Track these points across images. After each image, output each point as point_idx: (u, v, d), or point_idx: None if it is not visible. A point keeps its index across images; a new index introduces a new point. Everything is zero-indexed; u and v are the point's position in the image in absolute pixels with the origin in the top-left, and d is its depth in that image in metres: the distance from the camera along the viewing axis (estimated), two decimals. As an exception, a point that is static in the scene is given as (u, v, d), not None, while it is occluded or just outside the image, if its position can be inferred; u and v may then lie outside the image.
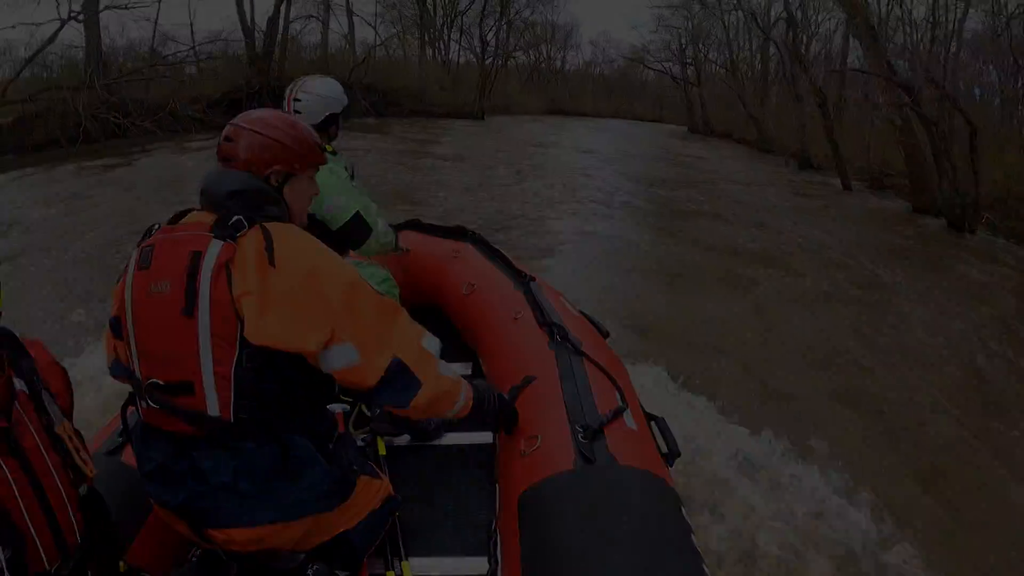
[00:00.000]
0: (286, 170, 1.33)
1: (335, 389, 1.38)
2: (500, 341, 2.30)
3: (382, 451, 2.13)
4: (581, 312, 2.43)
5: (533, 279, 2.54)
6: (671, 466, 1.66)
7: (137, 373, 1.25)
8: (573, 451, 1.51)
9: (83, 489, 1.10)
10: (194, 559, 1.44)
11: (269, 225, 1.22)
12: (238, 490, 1.21)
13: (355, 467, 1.42)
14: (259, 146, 1.29)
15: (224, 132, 1.31)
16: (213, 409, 1.18)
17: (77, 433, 1.12)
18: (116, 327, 1.31)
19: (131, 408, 1.34)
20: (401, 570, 1.60)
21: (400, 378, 1.26)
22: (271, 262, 1.16)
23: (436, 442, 2.28)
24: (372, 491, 1.51)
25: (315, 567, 1.38)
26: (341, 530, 1.42)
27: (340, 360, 1.21)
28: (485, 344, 2.41)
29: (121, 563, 1.20)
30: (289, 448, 1.23)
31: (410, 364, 1.27)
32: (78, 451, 1.09)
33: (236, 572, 1.38)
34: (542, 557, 1.31)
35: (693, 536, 1.36)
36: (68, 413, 1.16)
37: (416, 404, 1.30)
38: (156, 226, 1.29)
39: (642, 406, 1.86)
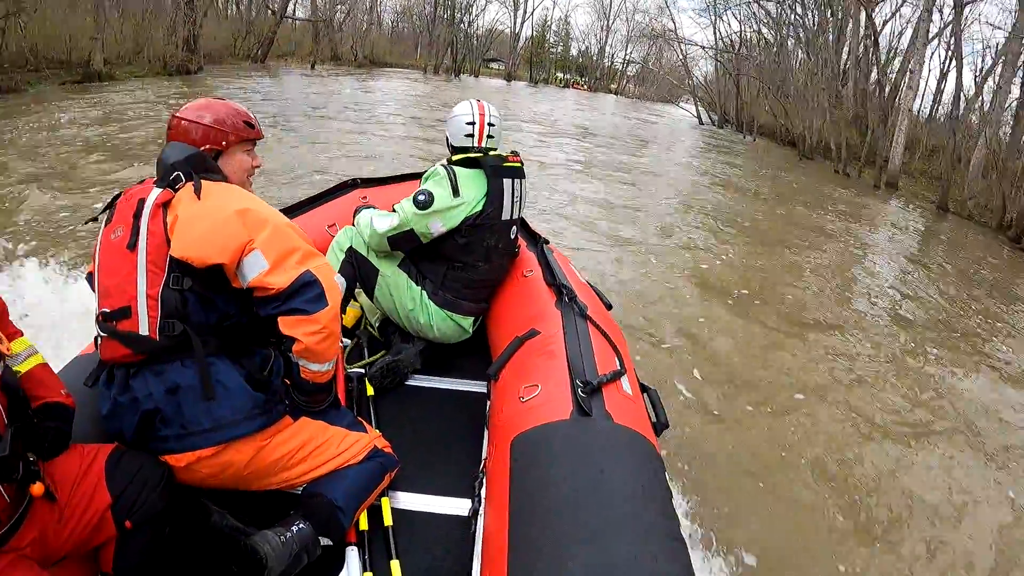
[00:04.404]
0: (216, 148, 1.54)
1: (275, 330, 1.49)
2: (509, 294, 2.36)
3: (370, 392, 2.14)
4: (587, 282, 2.46)
5: (547, 242, 2.58)
6: (659, 435, 1.69)
7: (96, 311, 1.40)
8: (571, 403, 1.54)
9: (1, 367, 1.14)
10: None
11: (203, 178, 1.43)
12: (167, 415, 1.34)
13: (286, 401, 1.49)
14: (212, 132, 1.52)
15: (182, 121, 1.52)
16: (144, 328, 1.34)
17: None
18: (91, 281, 1.48)
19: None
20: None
21: (312, 289, 1.36)
22: (197, 196, 1.38)
23: (426, 385, 2.31)
24: (348, 442, 1.57)
25: (299, 526, 1.44)
26: (301, 475, 1.49)
27: (253, 269, 1.34)
28: (494, 296, 2.45)
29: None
30: (210, 369, 1.36)
31: (323, 285, 1.37)
32: None
33: (221, 519, 1.45)
34: (531, 498, 1.34)
35: (672, 500, 1.39)
36: None
37: (320, 317, 1.37)
38: (121, 192, 1.50)
39: (638, 376, 1.89)
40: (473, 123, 2.31)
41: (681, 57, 31.18)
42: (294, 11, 27.26)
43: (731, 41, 26.08)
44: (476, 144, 2.33)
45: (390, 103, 17.14)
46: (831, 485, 2.88)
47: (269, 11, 25.22)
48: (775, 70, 22.03)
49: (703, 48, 28.87)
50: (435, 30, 39.78)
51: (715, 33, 28.76)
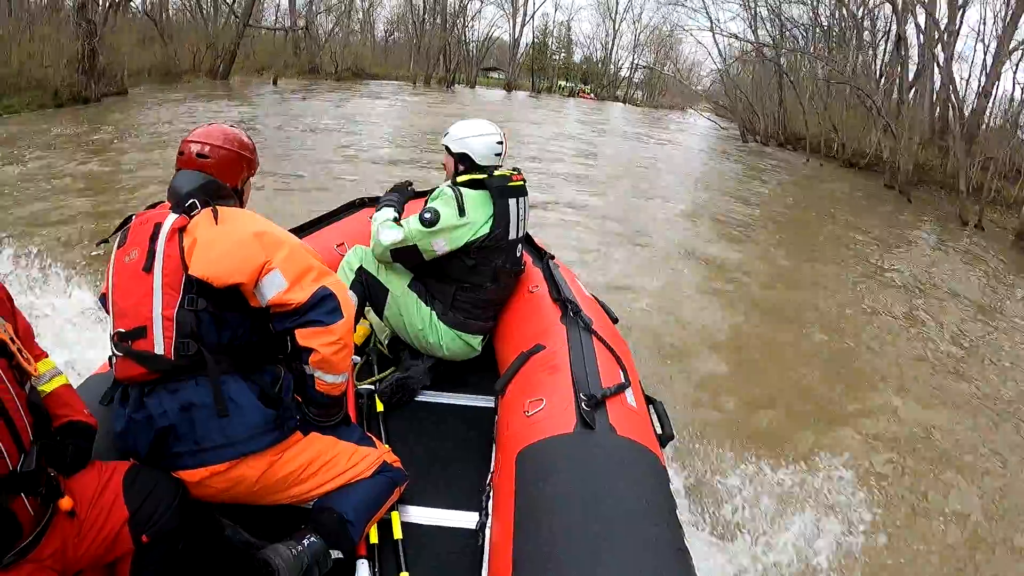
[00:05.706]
0: (250, 175, 1.66)
1: (284, 348, 1.56)
2: (515, 310, 2.39)
3: (380, 408, 2.18)
4: (593, 296, 2.49)
5: (552, 257, 2.61)
6: (663, 447, 1.71)
7: (111, 331, 1.44)
8: (575, 416, 1.57)
9: (27, 387, 1.18)
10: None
11: (219, 206, 1.48)
12: (181, 432, 1.38)
13: (296, 417, 1.53)
14: (231, 160, 1.58)
15: (195, 149, 1.55)
16: (159, 348, 1.38)
17: (16, 334, 1.24)
18: (104, 302, 1.54)
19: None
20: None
21: (328, 303, 1.42)
22: (216, 221, 1.44)
23: (435, 401, 2.34)
24: (357, 457, 1.60)
25: (310, 539, 1.47)
26: (312, 490, 1.52)
27: (271, 288, 1.39)
28: (501, 312, 2.48)
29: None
30: (222, 387, 1.40)
31: (339, 298, 1.44)
32: (20, 352, 1.18)
33: (234, 533, 1.49)
34: (535, 511, 1.36)
35: (677, 512, 1.41)
36: (8, 318, 1.26)
37: (336, 328, 1.42)
38: (132, 216, 1.54)
39: (643, 389, 1.91)
40: (502, 142, 2.37)
41: (719, 61, 26.05)
42: (275, 21, 24.00)
43: (772, 37, 21.21)
44: (503, 161, 2.38)
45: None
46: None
47: (234, 17, 21.64)
48: (835, 72, 17.38)
49: (751, 44, 22.89)
50: (425, 37, 33.96)
51: (754, 22, 23.19)
